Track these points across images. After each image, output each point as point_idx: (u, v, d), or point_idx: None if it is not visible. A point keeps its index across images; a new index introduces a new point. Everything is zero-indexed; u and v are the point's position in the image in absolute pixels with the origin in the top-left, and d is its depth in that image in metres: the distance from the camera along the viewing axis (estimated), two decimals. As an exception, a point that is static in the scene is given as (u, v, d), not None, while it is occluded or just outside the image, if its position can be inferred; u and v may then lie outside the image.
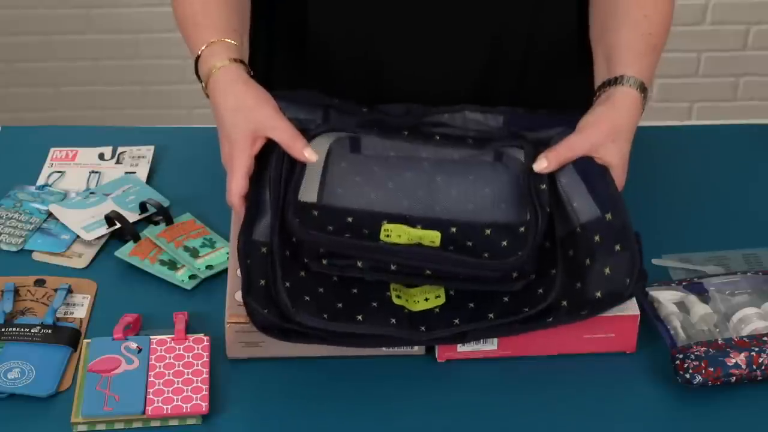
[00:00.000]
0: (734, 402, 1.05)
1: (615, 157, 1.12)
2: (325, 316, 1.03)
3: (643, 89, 1.15)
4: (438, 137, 1.16)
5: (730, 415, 1.05)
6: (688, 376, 1.05)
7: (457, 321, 1.05)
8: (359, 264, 1.05)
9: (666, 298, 1.13)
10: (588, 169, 1.11)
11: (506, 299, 1.06)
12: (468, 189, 1.12)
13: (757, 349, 1.05)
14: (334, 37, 1.29)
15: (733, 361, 1.05)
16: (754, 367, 1.05)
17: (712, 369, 1.04)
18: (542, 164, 1.12)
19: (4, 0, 2.74)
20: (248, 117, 1.09)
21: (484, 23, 1.27)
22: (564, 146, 1.12)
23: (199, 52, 1.14)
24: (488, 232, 1.08)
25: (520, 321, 1.04)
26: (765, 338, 1.07)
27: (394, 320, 1.04)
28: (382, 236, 1.06)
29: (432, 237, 1.06)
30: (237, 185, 1.08)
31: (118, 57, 2.84)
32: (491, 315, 1.05)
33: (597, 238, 1.07)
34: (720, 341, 1.06)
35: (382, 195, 1.10)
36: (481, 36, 1.28)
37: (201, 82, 1.14)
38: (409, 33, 1.28)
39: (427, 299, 1.07)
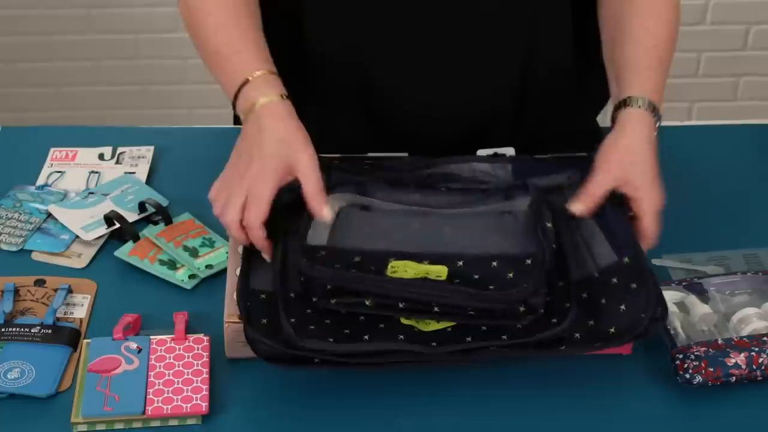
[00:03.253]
0: (734, 402, 1.05)
1: (639, 177, 1.11)
2: (331, 339, 1.02)
3: (650, 105, 1.14)
4: (444, 189, 1.17)
5: (730, 415, 1.04)
6: (688, 376, 1.05)
7: (469, 339, 1.03)
8: (367, 302, 1.04)
9: (666, 298, 1.12)
10: (606, 215, 1.12)
11: (519, 325, 1.04)
12: (475, 234, 1.12)
13: (757, 349, 1.05)
14: (331, 53, 1.29)
15: (733, 361, 1.05)
16: (754, 367, 1.05)
17: (712, 369, 1.04)
18: (578, 207, 1.11)
19: (4, 0, 2.74)
20: (292, 150, 1.07)
21: (483, 40, 1.27)
22: (592, 184, 1.11)
23: (250, 78, 1.11)
24: (494, 264, 1.06)
25: (533, 345, 1.03)
26: (765, 338, 1.07)
27: (402, 336, 1.03)
28: (388, 272, 1.05)
29: (438, 271, 1.05)
30: (259, 210, 1.06)
31: (118, 57, 2.84)
32: (504, 336, 1.03)
33: (615, 279, 1.07)
34: (720, 341, 1.06)
35: (390, 242, 1.10)
36: (479, 56, 1.28)
37: (235, 103, 1.12)
38: (407, 49, 1.28)
39: (438, 321, 1.05)
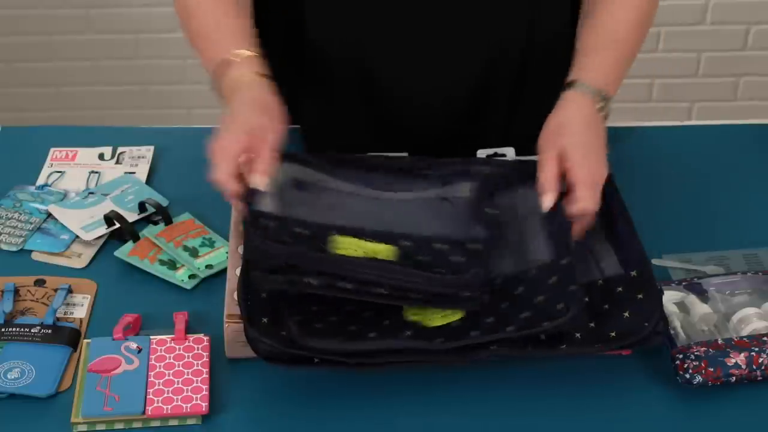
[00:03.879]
0: (734, 402, 1.05)
1: (569, 149, 1.11)
2: (337, 338, 1.02)
3: (589, 90, 1.15)
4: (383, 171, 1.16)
5: (730, 415, 1.04)
6: (688, 376, 1.05)
7: (474, 333, 1.03)
8: (313, 281, 1.02)
9: (666, 298, 1.13)
10: (617, 231, 1.13)
11: (527, 314, 1.03)
12: (417, 217, 1.11)
13: (757, 349, 1.05)
14: (331, 49, 1.30)
15: (733, 361, 1.05)
16: (754, 367, 1.05)
17: (712, 369, 1.04)
18: (545, 199, 1.10)
19: (4, 0, 2.74)
20: (259, 117, 1.09)
21: (482, 32, 1.28)
22: (540, 172, 1.12)
23: (229, 57, 1.14)
24: (440, 246, 1.05)
25: (533, 344, 1.03)
26: (765, 338, 1.07)
27: (409, 333, 1.03)
28: (332, 247, 1.04)
29: (384, 251, 1.05)
30: (226, 164, 1.06)
31: (118, 57, 2.84)
32: (510, 328, 1.02)
33: (620, 289, 1.08)
34: (720, 341, 1.06)
35: (333, 216, 1.09)
36: (479, 45, 1.29)
37: (214, 82, 1.15)
38: (406, 42, 1.28)
39: (444, 316, 1.05)
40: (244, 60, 1.14)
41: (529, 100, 1.34)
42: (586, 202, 1.08)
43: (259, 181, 1.06)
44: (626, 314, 1.05)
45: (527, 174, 1.15)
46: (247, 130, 1.07)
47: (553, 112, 1.16)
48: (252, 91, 1.12)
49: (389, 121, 1.33)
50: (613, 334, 1.04)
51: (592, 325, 1.05)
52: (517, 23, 1.28)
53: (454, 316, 1.05)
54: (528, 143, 1.26)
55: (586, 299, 1.07)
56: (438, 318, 1.05)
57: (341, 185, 1.15)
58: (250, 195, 1.07)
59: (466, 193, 1.14)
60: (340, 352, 1.01)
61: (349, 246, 1.05)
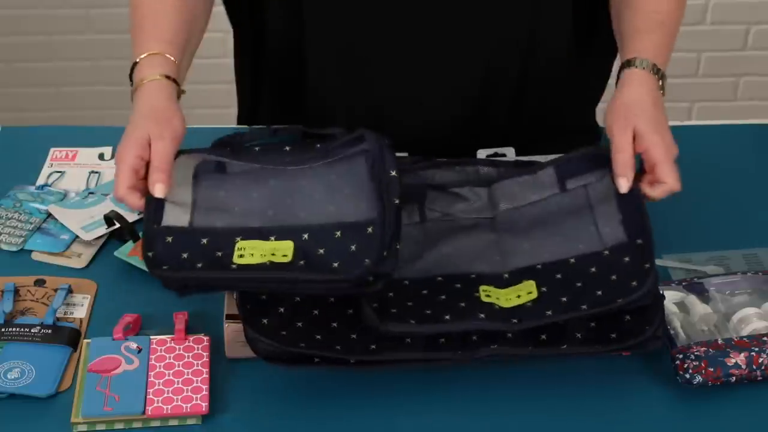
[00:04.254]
0: (734, 402, 1.05)
1: (642, 127, 1.10)
2: (413, 321, 1.03)
3: (649, 65, 1.16)
4: (287, 149, 1.14)
5: (730, 415, 1.04)
6: (688, 376, 1.05)
7: (549, 312, 1.04)
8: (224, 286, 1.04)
9: (666, 298, 1.13)
10: (624, 201, 1.12)
11: (599, 293, 1.05)
12: (329, 188, 1.09)
13: (757, 349, 1.05)
14: (331, 52, 1.29)
15: (733, 361, 1.05)
16: (754, 367, 1.05)
17: (712, 369, 1.04)
18: (622, 181, 1.09)
19: (4, 0, 2.74)
20: (152, 124, 1.08)
21: (482, 34, 1.27)
22: (617, 153, 1.10)
23: (138, 60, 1.14)
24: (338, 234, 1.04)
25: (534, 343, 1.03)
26: (765, 338, 1.07)
27: (483, 315, 1.04)
28: (235, 257, 1.02)
29: (284, 249, 1.03)
30: (123, 178, 1.05)
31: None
32: (584, 306, 1.03)
33: (627, 258, 1.07)
34: (720, 341, 1.06)
35: (245, 207, 1.08)
36: (479, 48, 1.28)
37: (131, 86, 1.14)
38: (406, 45, 1.28)
39: (519, 296, 1.06)
40: (152, 61, 1.13)
41: (529, 102, 1.34)
42: (672, 181, 1.09)
43: (156, 189, 1.05)
44: (627, 317, 1.05)
45: (594, 160, 1.15)
46: (139, 141, 1.06)
47: (617, 90, 1.15)
48: (149, 98, 1.11)
49: (389, 123, 1.33)
50: (614, 335, 1.04)
51: (593, 325, 1.05)
52: (518, 25, 1.28)
53: (528, 297, 1.06)
54: (528, 143, 1.26)
55: (593, 269, 1.07)
56: (513, 298, 1.06)
57: (244, 166, 1.12)
58: (153, 206, 1.05)
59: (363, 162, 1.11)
60: (421, 334, 1.02)
61: (254, 249, 1.03)
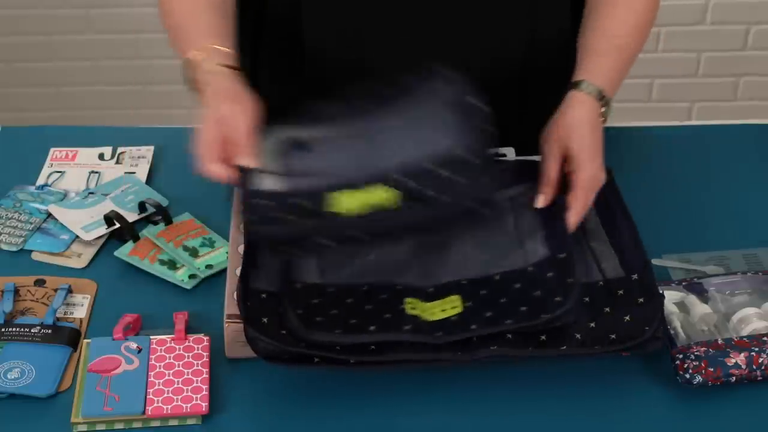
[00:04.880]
0: (734, 402, 1.05)
1: (575, 150, 1.14)
2: (339, 331, 1.02)
3: (595, 90, 1.17)
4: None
5: (730, 415, 1.04)
6: (688, 376, 1.05)
7: (474, 327, 1.03)
8: (328, 243, 1.02)
9: (666, 298, 1.13)
10: (619, 233, 1.14)
11: (524, 308, 1.04)
12: (414, 123, 1.07)
13: (757, 349, 1.05)
14: (330, 49, 1.29)
15: (733, 361, 1.05)
16: (754, 367, 1.05)
17: (712, 369, 1.04)
18: (540, 198, 1.14)
19: (4, 0, 2.74)
20: (232, 102, 1.08)
21: (482, 34, 1.27)
22: (543, 171, 1.15)
23: (191, 57, 1.14)
24: (431, 166, 1.02)
25: (534, 344, 1.03)
26: (765, 338, 1.07)
27: (408, 327, 1.03)
28: (331, 208, 1.01)
29: (385, 197, 1.02)
30: (207, 154, 1.05)
31: (118, 57, 2.84)
32: (509, 321, 1.03)
33: (621, 292, 1.08)
34: (720, 341, 1.06)
35: (334, 166, 1.06)
36: (479, 47, 1.28)
37: (187, 79, 1.15)
38: (406, 44, 1.28)
39: (443, 310, 1.06)
40: (212, 54, 1.14)
41: (530, 102, 1.34)
42: (576, 208, 1.12)
43: (246, 160, 1.06)
44: (627, 318, 1.05)
45: (525, 172, 1.16)
46: (218, 119, 1.07)
47: (560, 111, 1.18)
48: (220, 82, 1.12)
49: None
50: (613, 336, 1.04)
51: (592, 325, 1.05)
52: (518, 25, 1.28)
53: (453, 311, 1.05)
54: (528, 143, 1.26)
55: (587, 299, 1.07)
56: (437, 312, 1.05)
57: (325, 130, 1.11)
58: (244, 177, 1.05)
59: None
60: (343, 344, 1.01)
61: (349, 200, 1.02)
